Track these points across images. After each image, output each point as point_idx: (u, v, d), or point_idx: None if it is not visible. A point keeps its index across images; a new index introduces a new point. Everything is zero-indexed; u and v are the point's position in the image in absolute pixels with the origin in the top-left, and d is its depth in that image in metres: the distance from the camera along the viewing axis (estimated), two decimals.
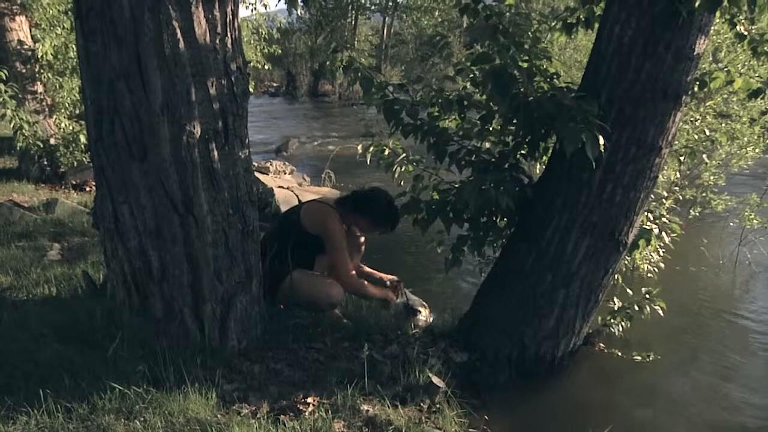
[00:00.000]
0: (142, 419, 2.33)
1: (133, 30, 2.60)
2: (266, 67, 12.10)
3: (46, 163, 8.17)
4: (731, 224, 6.47)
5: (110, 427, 2.26)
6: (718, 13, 3.12)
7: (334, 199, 3.87)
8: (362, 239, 3.93)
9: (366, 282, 3.85)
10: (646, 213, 3.75)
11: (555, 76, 3.48)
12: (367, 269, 4.07)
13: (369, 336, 3.41)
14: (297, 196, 7.99)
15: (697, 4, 2.86)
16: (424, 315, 3.91)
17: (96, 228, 3.39)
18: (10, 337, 2.94)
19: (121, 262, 2.99)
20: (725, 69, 3.71)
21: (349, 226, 3.79)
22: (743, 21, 3.55)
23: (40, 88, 8.62)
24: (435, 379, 2.95)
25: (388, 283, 4.02)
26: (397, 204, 3.81)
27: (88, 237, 5.40)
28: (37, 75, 8.50)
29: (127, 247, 2.93)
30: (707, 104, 5.93)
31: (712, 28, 3.37)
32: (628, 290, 4.25)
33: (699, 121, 5.50)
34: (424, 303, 4.01)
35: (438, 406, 2.86)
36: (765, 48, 3.56)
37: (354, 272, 3.73)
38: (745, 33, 3.57)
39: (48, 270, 4.29)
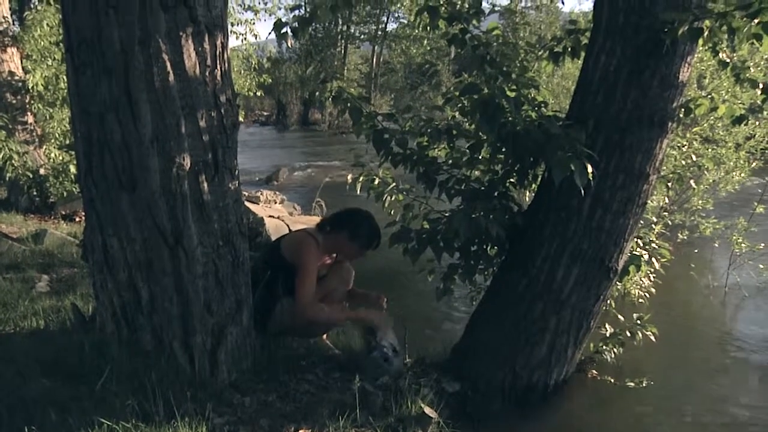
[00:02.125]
0: None
1: (123, 63, 2.61)
2: (258, 94, 12.18)
3: (35, 193, 8.15)
4: (717, 246, 6.51)
5: None
6: (700, 42, 3.17)
7: (315, 226, 3.80)
8: (352, 272, 3.85)
9: (326, 310, 3.54)
10: (635, 239, 3.77)
11: (543, 105, 3.52)
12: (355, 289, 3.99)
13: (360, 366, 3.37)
14: (287, 225, 7.98)
15: (679, 33, 2.91)
16: (398, 361, 3.47)
17: (85, 260, 3.37)
18: None
19: (110, 294, 2.97)
20: (709, 96, 3.76)
21: (334, 255, 3.76)
22: (725, 49, 3.61)
23: (30, 118, 8.64)
24: (427, 410, 2.93)
25: (373, 295, 3.90)
26: (379, 225, 3.73)
27: (77, 268, 5.36)
28: (27, 106, 8.53)
29: (116, 279, 2.91)
30: (694, 130, 6.01)
31: (696, 55, 3.42)
32: (619, 316, 4.26)
33: (686, 147, 5.56)
34: (397, 349, 3.48)
35: None
36: (747, 75, 3.62)
37: (309, 301, 3.42)
38: (728, 60, 3.63)
39: (36, 302, 4.25)
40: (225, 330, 2.98)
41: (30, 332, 3.66)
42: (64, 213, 8.23)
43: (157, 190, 2.73)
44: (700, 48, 3.45)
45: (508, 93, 3.35)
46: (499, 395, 3.45)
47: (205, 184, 2.83)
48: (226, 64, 2.91)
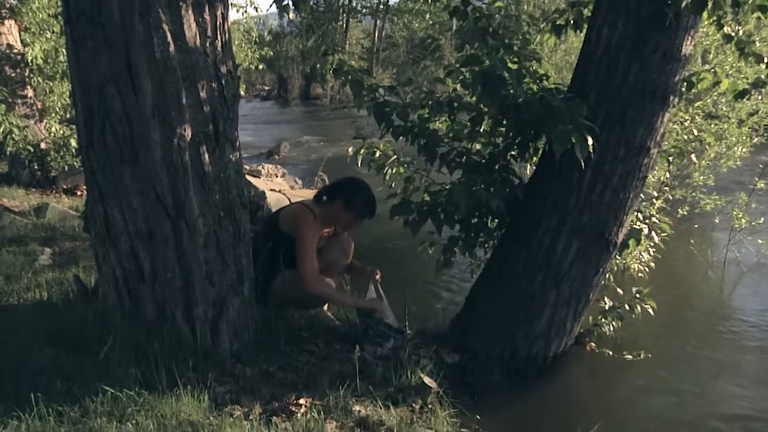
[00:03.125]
0: (134, 422, 2.33)
1: (123, 34, 2.61)
2: (260, 67, 12.12)
3: (36, 167, 8.15)
4: (717, 221, 6.52)
5: (102, 429, 2.25)
6: (705, 15, 3.15)
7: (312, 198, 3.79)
8: (351, 245, 3.86)
9: (333, 289, 3.61)
10: (636, 213, 3.78)
11: (544, 78, 3.51)
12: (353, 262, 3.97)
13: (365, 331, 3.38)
14: (288, 199, 7.98)
15: (683, 5, 2.89)
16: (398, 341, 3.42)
17: (87, 232, 3.39)
18: (1, 342, 2.93)
19: (112, 265, 2.99)
20: (712, 70, 3.74)
21: (333, 227, 3.76)
22: (730, 22, 3.59)
23: (30, 92, 8.60)
24: (427, 380, 2.96)
25: (369, 269, 3.88)
26: (380, 198, 3.71)
27: (79, 241, 5.39)
28: (26, 79, 8.49)
29: (118, 250, 2.93)
30: (696, 105, 5.98)
31: (701, 30, 3.40)
32: (618, 290, 4.28)
33: (688, 121, 5.54)
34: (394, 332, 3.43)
35: (430, 406, 2.87)
36: (752, 49, 3.60)
37: (315, 277, 3.43)
38: (732, 34, 3.60)
39: (39, 275, 4.29)
40: (226, 301, 3.01)
41: (33, 304, 3.70)
42: (65, 187, 8.25)
43: (159, 162, 2.74)
44: (705, 22, 3.43)
45: (510, 65, 3.33)
46: (498, 367, 3.48)
47: (206, 156, 2.84)
48: (227, 35, 2.90)
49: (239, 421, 2.46)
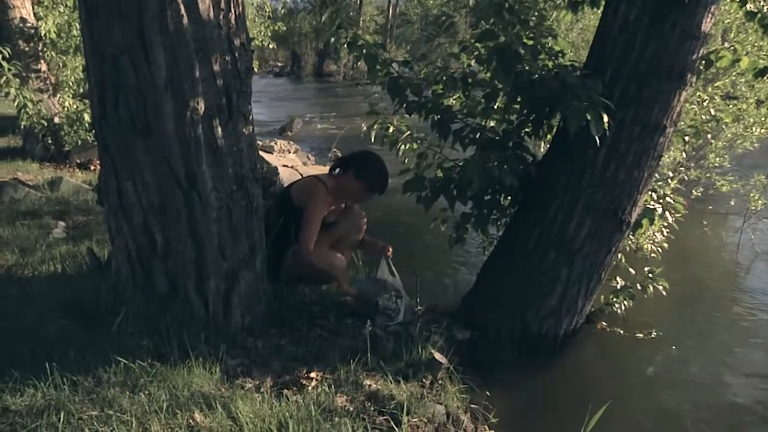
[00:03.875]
0: (146, 392, 2.35)
1: (137, 5, 2.59)
2: (271, 45, 12.07)
3: (50, 141, 8.17)
4: (732, 204, 6.46)
5: (115, 399, 2.28)
6: None
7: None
8: (363, 220, 3.83)
9: (328, 263, 3.53)
10: (650, 192, 3.75)
11: (560, 55, 3.47)
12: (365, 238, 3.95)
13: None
14: (301, 174, 7.99)
15: None
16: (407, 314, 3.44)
17: (100, 205, 3.40)
18: (17, 314, 2.97)
19: (125, 238, 3.00)
20: (732, 48, 3.68)
21: (344, 200, 3.74)
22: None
23: (43, 66, 8.61)
24: (437, 356, 2.98)
25: (380, 244, 3.85)
26: (392, 173, 3.67)
27: (92, 215, 5.42)
28: (40, 53, 8.49)
29: (131, 223, 2.94)
30: (716, 84, 5.90)
31: (723, 7, 3.34)
32: (630, 269, 4.26)
33: (707, 102, 5.47)
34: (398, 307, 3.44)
35: (440, 382, 2.88)
36: None
37: (308, 247, 3.42)
38: (755, 11, 3.53)
39: (53, 248, 4.32)
40: (238, 274, 3.02)
41: (48, 276, 3.73)
42: (79, 161, 8.28)
43: (171, 135, 2.74)
44: (730, 0, 3.37)
45: (526, 41, 3.30)
46: (508, 344, 3.49)
47: (219, 129, 2.83)
48: (240, 8, 2.87)
49: (250, 393, 2.48)
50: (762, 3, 3.55)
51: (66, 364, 2.47)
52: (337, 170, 3.66)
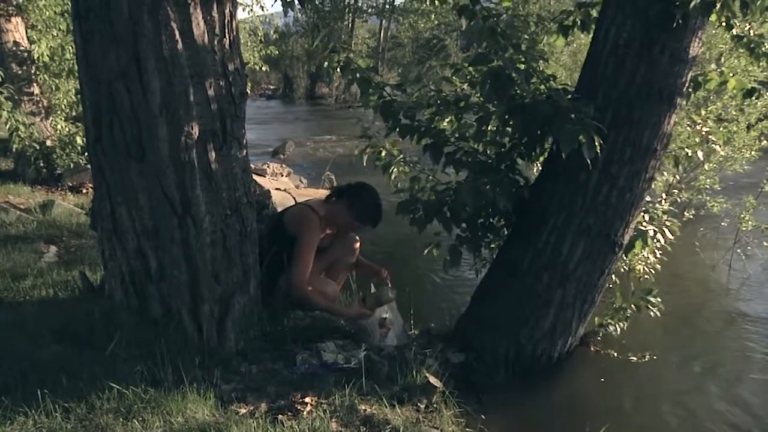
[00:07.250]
0: (140, 419, 2.34)
1: (132, 31, 2.61)
2: (263, 68, 12.12)
3: (42, 165, 8.14)
4: (724, 224, 6.49)
5: (109, 426, 2.26)
6: (714, 17, 3.14)
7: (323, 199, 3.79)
8: (357, 244, 3.86)
9: (320, 296, 3.51)
10: (642, 214, 3.77)
11: (552, 78, 3.50)
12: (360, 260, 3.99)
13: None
14: (294, 198, 7.98)
15: (691, 6, 2.88)
16: (393, 333, 3.52)
17: (94, 229, 3.39)
18: (8, 339, 2.94)
19: (119, 262, 2.99)
20: (719, 70, 3.73)
21: (337, 228, 3.76)
22: (739, 24, 3.58)
23: (36, 89, 8.61)
24: (432, 379, 2.96)
25: (375, 267, 3.90)
26: (385, 198, 3.70)
27: (84, 239, 5.39)
28: (33, 77, 8.49)
29: (125, 247, 2.94)
30: (709, 109, 5.96)
31: (715, 33, 3.38)
32: (619, 294, 4.26)
33: (700, 125, 5.51)
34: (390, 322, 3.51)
35: (435, 406, 2.86)
36: (763, 49, 3.59)
37: (302, 281, 3.39)
38: (742, 34, 3.59)
39: (45, 272, 4.29)
40: (232, 299, 3.01)
41: (40, 300, 3.70)
42: (71, 184, 8.25)
43: (166, 159, 2.75)
44: (714, 23, 3.42)
45: (518, 65, 3.33)
46: (503, 366, 3.48)
47: (214, 153, 2.84)
48: (235, 33, 2.90)
49: (245, 419, 2.47)
50: (747, 27, 3.61)
51: (58, 391, 2.45)
52: (333, 198, 3.68)
